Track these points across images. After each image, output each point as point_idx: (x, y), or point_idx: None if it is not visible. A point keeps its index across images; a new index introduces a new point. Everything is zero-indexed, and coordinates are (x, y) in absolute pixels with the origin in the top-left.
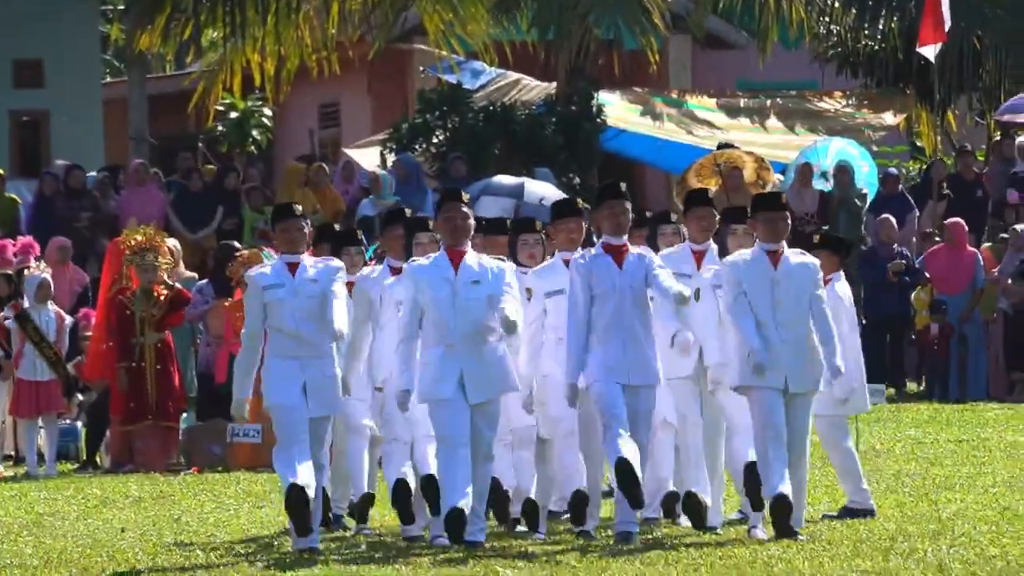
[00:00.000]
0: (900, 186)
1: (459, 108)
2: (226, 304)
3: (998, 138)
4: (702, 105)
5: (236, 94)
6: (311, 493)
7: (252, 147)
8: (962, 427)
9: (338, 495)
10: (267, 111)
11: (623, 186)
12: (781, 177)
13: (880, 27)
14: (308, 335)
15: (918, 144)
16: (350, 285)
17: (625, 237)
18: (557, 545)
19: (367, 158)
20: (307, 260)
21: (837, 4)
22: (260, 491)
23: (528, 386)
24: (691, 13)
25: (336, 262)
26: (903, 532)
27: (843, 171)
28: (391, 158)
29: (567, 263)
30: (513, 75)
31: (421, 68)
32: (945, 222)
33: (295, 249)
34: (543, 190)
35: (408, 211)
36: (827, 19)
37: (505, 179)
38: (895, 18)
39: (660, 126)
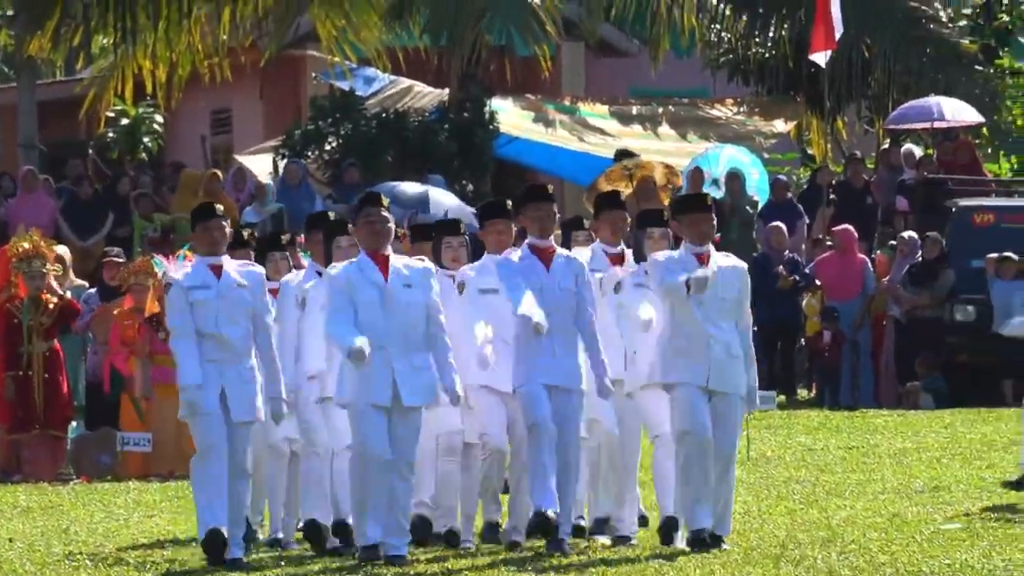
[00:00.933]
0: (790, 193)
1: (352, 115)
2: (115, 312)
3: (886, 146)
4: (594, 112)
5: (127, 100)
6: (226, 534)
7: (143, 154)
8: (852, 434)
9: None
10: (158, 117)
11: (549, 187)
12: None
13: (771, 34)
14: (230, 338)
15: (808, 151)
16: (273, 291)
17: (552, 239)
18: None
19: (259, 165)
20: (230, 263)
21: (728, 12)
22: (151, 501)
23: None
24: (583, 20)
25: (259, 268)
26: (793, 539)
27: (734, 178)
28: (283, 164)
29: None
30: (406, 82)
31: (313, 74)
32: (834, 229)
33: (217, 250)
34: (447, 200)
35: (331, 214)
36: (718, 27)
37: (409, 187)
38: (785, 26)
39: (552, 133)
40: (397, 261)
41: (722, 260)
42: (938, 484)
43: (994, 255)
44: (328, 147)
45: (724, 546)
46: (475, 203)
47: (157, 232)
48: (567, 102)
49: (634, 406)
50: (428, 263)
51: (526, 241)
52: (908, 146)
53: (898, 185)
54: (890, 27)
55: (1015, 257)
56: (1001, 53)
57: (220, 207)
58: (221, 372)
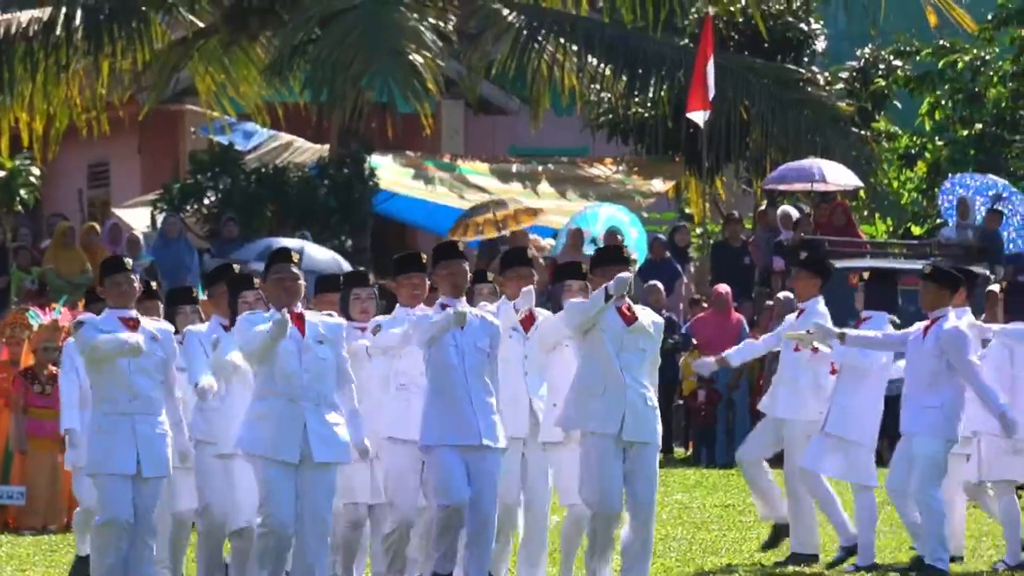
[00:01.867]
0: (667, 252)
1: (231, 169)
2: None
3: (764, 207)
4: (474, 169)
5: (3, 152)
6: None
7: (19, 207)
8: (728, 492)
9: None
10: (35, 170)
11: (462, 245)
12: (552, 242)
13: (650, 95)
14: (143, 391)
15: (687, 211)
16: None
17: (464, 298)
18: None
19: (137, 218)
20: (144, 318)
21: (608, 72)
22: (23, 554)
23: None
24: (464, 78)
25: (165, 323)
26: None
27: (612, 236)
28: (162, 218)
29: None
30: (286, 137)
31: (192, 129)
32: (713, 288)
33: (127, 303)
34: (322, 255)
35: (236, 267)
36: (598, 86)
37: (289, 242)
38: (664, 86)
39: (432, 190)
40: (311, 316)
41: (641, 314)
42: None
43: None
44: (207, 201)
45: None
46: (355, 259)
47: (35, 284)
48: (447, 159)
49: (543, 465)
50: (339, 318)
51: (438, 300)
52: (785, 207)
53: (775, 246)
54: (768, 89)
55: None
56: (877, 117)
57: (129, 260)
58: (135, 425)
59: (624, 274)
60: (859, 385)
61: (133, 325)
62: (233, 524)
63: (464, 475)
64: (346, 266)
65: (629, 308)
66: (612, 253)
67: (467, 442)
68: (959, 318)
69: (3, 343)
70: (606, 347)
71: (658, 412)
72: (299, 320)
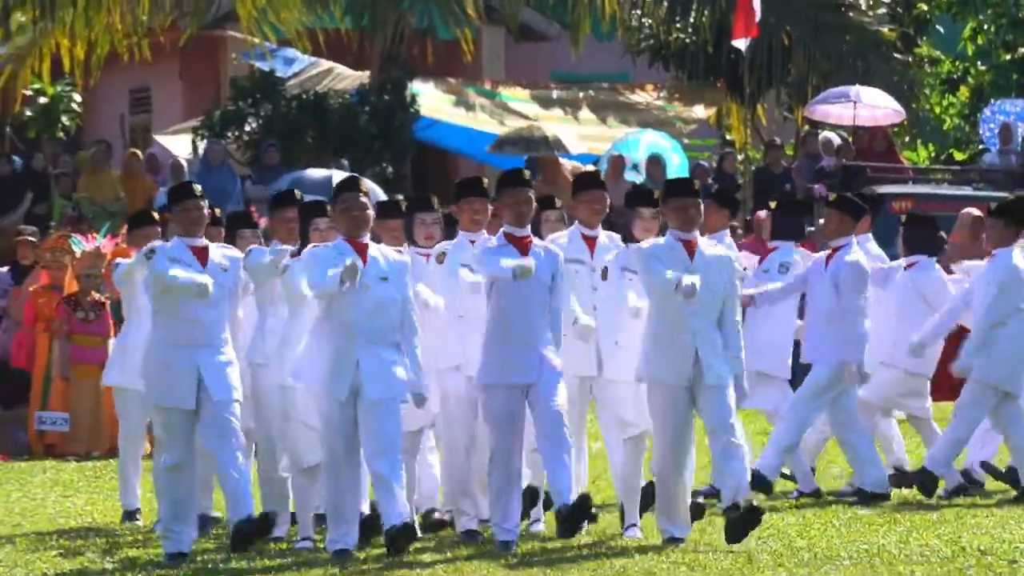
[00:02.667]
0: (710, 179)
1: (272, 96)
2: (29, 289)
3: (805, 132)
4: (515, 96)
5: (45, 79)
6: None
7: (61, 133)
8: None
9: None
10: (77, 96)
11: (527, 173)
12: (594, 168)
13: (691, 20)
14: (205, 321)
15: (728, 137)
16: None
17: (528, 228)
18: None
19: (179, 145)
20: (213, 248)
21: None
22: (68, 480)
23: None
24: (505, 4)
25: (234, 250)
26: (711, 523)
27: (655, 163)
28: (203, 145)
29: (473, 245)
30: (326, 63)
31: (233, 55)
32: (755, 214)
33: (196, 231)
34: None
35: (298, 193)
36: (639, 12)
37: (315, 173)
38: (706, 12)
39: (473, 116)
40: (375, 251)
41: (708, 248)
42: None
43: None
44: (248, 128)
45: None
46: (395, 185)
47: (77, 211)
48: (488, 86)
49: (606, 400)
50: (405, 255)
51: (502, 229)
52: (826, 134)
53: (817, 172)
54: (809, 15)
55: None
56: (920, 42)
57: (198, 187)
58: (195, 355)
59: (690, 280)
60: (765, 319)
61: (203, 254)
62: (300, 462)
63: (518, 418)
64: (382, 196)
65: (695, 246)
66: (681, 185)
67: (524, 381)
68: (861, 248)
69: (44, 267)
70: (672, 298)
71: (728, 353)
72: (363, 256)
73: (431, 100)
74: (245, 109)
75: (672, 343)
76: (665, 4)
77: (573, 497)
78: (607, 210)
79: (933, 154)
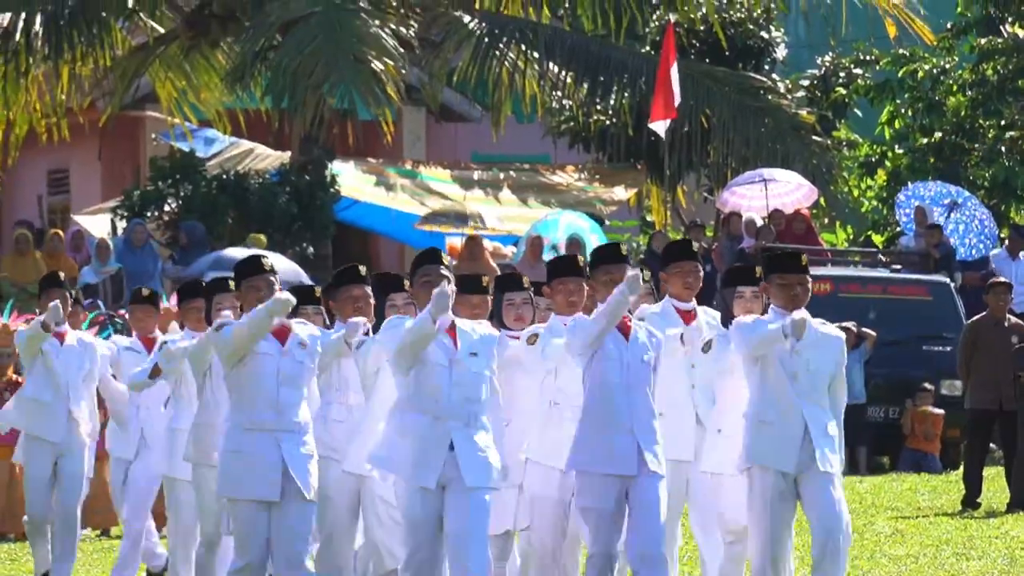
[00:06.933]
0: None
1: (192, 176)
2: None
3: (727, 213)
4: (436, 176)
5: None
6: None
7: None
8: None
9: None
10: None
11: (623, 248)
12: (513, 249)
13: (612, 102)
14: (287, 403)
15: (648, 219)
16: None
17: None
18: None
19: (97, 225)
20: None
21: (569, 79)
22: None
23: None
24: (426, 85)
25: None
26: None
27: (574, 244)
28: (122, 225)
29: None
30: (247, 144)
31: (153, 135)
32: None
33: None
34: (280, 265)
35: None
36: (559, 94)
37: (235, 252)
38: (626, 94)
39: (394, 196)
40: (464, 325)
41: (819, 326)
42: None
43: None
44: (167, 208)
45: None
46: (316, 266)
47: None
48: (408, 166)
49: (704, 495)
50: (493, 329)
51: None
52: (749, 214)
53: (737, 253)
54: (729, 98)
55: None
56: (838, 125)
57: (268, 262)
58: (278, 441)
59: (799, 314)
60: None
61: (280, 332)
62: (382, 565)
63: (616, 516)
64: (304, 276)
65: (803, 326)
66: (788, 260)
67: (623, 472)
68: None
69: None
70: (781, 378)
71: (837, 439)
72: (452, 330)
73: (352, 180)
74: (165, 189)
75: (777, 424)
76: (585, 86)
77: None
78: (700, 283)
79: (851, 236)
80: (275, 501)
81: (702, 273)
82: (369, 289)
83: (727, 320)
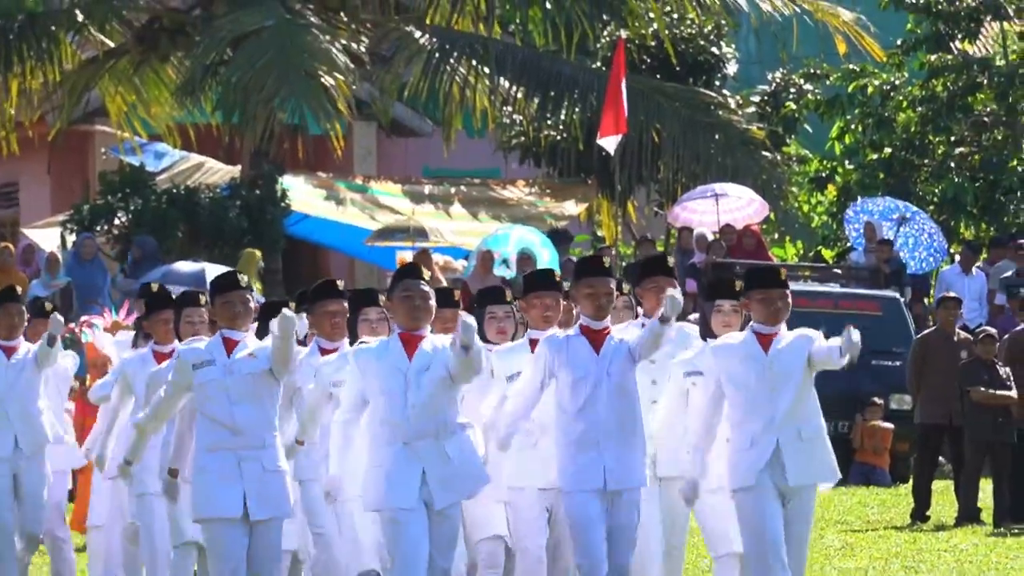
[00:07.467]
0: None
1: (142, 190)
2: None
3: (678, 227)
4: (386, 191)
5: None
6: None
7: None
8: None
9: None
10: None
11: (607, 260)
12: (464, 263)
13: (562, 117)
14: (244, 422)
15: (599, 233)
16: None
17: (607, 319)
18: None
19: (47, 239)
20: (250, 337)
21: (520, 94)
22: None
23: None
24: (376, 100)
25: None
26: None
27: (525, 258)
28: (72, 238)
29: (533, 345)
30: (197, 158)
31: (103, 149)
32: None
33: (239, 326)
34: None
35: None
36: (510, 109)
37: (184, 266)
38: (576, 109)
39: (344, 211)
40: (427, 344)
41: (788, 336)
42: None
43: None
44: (117, 222)
45: None
46: (266, 280)
47: None
48: (359, 180)
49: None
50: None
51: (578, 322)
52: (700, 229)
53: (688, 268)
54: (679, 112)
55: None
56: (788, 140)
57: (244, 278)
58: (241, 462)
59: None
60: None
61: (230, 347)
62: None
63: (599, 527)
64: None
65: (770, 341)
66: (767, 274)
67: (597, 487)
68: None
69: None
70: (759, 386)
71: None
72: (411, 345)
73: (302, 195)
74: (114, 203)
75: (753, 442)
76: (536, 101)
77: None
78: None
79: (801, 251)
80: (236, 518)
81: (690, 288)
82: (346, 304)
83: (706, 333)
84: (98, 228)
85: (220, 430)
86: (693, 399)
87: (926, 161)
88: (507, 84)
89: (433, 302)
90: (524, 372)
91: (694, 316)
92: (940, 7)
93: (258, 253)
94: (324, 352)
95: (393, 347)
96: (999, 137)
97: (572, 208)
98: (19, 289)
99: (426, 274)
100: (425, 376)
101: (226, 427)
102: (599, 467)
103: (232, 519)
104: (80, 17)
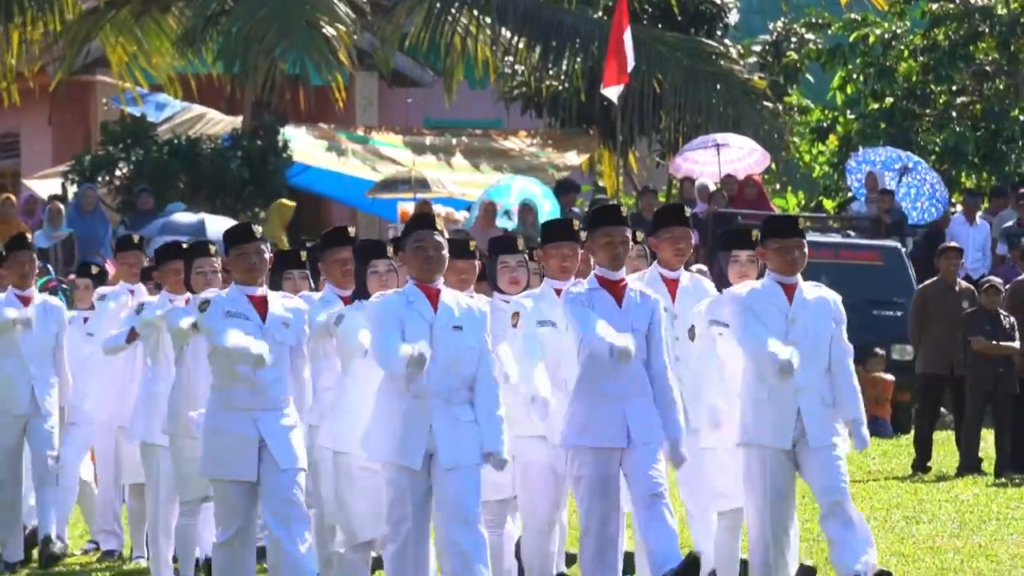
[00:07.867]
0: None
1: (143, 141)
2: None
3: (680, 178)
4: (388, 142)
5: None
6: None
7: None
8: None
9: None
10: None
11: (623, 210)
12: (466, 214)
13: (564, 68)
14: (265, 383)
15: (600, 184)
16: None
17: (624, 270)
18: None
19: (48, 189)
20: (272, 295)
21: (522, 45)
22: None
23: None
24: (377, 50)
25: (296, 300)
26: None
27: (527, 209)
28: (73, 189)
29: (558, 293)
30: (198, 108)
31: (104, 100)
32: None
33: (254, 280)
34: (224, 227)
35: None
36: (512, 59)
37: (183, 217)
38: (579, 59)
39: (345, 162)
40: (448, 297)
41: (810, 291)
42: None
43: None
44: (119, 173)
45: None
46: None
47: None
48: (360, 131)
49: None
50: (483, 303)
51: (593, 272)
52: (702, 180)
53: (691, 218)
54: (680, 62)
55: None
56: (789, 90)
57: (258, 229)
58: (256, 421)
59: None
60: None
61: (263, 306)
62: (354, 536)
63: (609, 489)
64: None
65: (793, 291)
66: (784, 224)
67: (614, 444)
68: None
69: None
70: (770, 323)
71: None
72: (434, 299)
73: (303, 145)
74: (116, 154)
75: (771, 402)
76: (537, 51)
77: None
78: (692, 249)
79: (803, 202)
80: (252, 481)
81: (693, 240)
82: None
83: (721, 284)
84: (99, 179)
85: (241, 389)
86: (720, 348)
87: (927, 111)
88: (508, 34)
89: (446, 252)
90: (560, 326)
91: (696, 267)
92: None
93: (292, 204)
94: (345, 301)
95: (414, 296)
96: (1000, 86)
97: (574, 159)
98: (29, 237)
99: (439, 223)
100: (453, 336)
101: (249, 384)
102: (622, 422)
103: (246, 481)
104: None
